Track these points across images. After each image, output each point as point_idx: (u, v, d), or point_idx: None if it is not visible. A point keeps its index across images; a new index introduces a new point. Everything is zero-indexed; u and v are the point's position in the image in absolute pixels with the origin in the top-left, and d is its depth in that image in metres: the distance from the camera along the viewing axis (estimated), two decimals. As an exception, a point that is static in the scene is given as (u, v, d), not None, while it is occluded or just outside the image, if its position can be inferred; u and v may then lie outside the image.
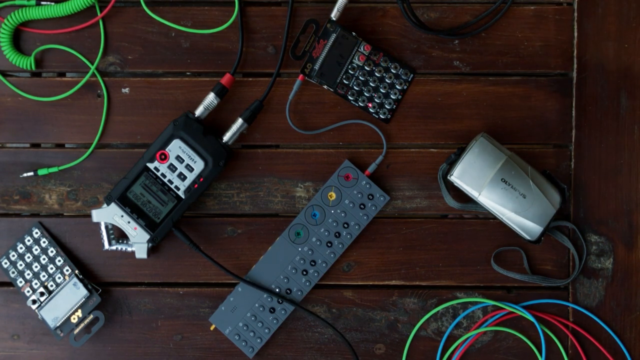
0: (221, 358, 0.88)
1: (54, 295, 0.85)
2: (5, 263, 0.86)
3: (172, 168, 0.84)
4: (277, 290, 0.86)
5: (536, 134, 0.87)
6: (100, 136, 0.87)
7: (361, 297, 0.88)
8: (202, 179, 0.84)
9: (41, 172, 0.86)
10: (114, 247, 0.85)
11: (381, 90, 0.87)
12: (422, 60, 0.87)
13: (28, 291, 0.86)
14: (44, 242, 0.87)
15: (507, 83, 0.87)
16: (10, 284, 0.87)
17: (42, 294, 0.86)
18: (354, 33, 0.86)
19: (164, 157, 0.84)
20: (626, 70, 0.87)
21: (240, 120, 0.85)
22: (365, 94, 0.87)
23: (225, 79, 0.85)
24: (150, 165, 0.84)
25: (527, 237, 0.84)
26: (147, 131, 0.87)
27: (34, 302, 0.86)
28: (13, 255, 0.86)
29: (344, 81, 0.86)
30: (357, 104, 0.87)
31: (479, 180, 0.83)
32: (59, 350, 0.88)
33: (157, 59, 0.87)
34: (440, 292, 0.88)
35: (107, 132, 0.87)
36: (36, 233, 0.87)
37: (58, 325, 0.85)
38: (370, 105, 0.87)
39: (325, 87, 0.86)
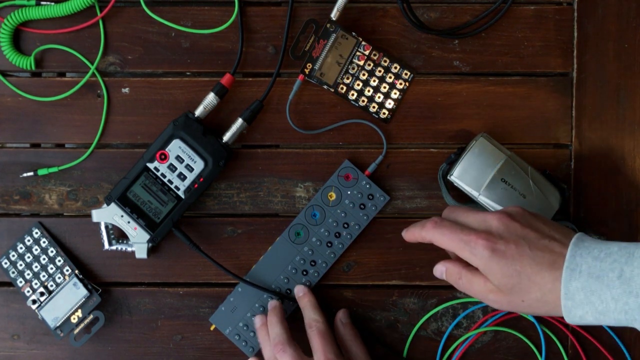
0: (221, 358, 0.88)
1: (54, 295, 0.85)
2: (5, 263, 0.86)
3: (172, 168, 0.84)
4: (277, 290, 0.86)
5: (536, 134, 0.87)
6: (100, 136, 0.87)
7: (361, 297, 0.88)
8: (202, 179, 0.84)
9: (41, 172, 0.86)
10: (114, 247, 0.85)
11: (381, 90, 0.87)
12: (422, 60, 0.87)
13: (28, 291, 0.86)
14: (44, 242, 0.87)
15: (507, 83, 0.87)
16: (10, 284, 0.87)
17: (42, 294, 0.86)
18: (354, 33, 0.86)
19: (164, 157, 0.84)
20: (626, 70, 0.87)
21: (240, 120, 0.85)
22: (365, 94, 0.87)
23: (225, 79, 0.85)
24: (150, 165, 0.84)
25: (527, 237, 0.84)
26: (147, 131, 0.87)
27: (34, 302, 0.86)
28: (13, 255, 0.87)
29: (344, 81, 0.86)
30: (357, 104, 0.87)
31: (479, 180, 0.83)
32: (59, 350, 0.88)
33: (157, 59, 0.87)
34: (440, 292, 0.88)
35: (107, 132, 0.87)
36: (36, 233, 0.87)
37: (58, 325, 0.85)
38: (370, 105, 0.87)
39: (325, 87, 0.86)
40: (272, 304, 0.85)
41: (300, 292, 0.85)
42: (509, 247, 0.68)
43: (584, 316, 0.65)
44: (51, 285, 0.86)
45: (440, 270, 0.74)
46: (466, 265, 0.72)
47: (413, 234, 0.75)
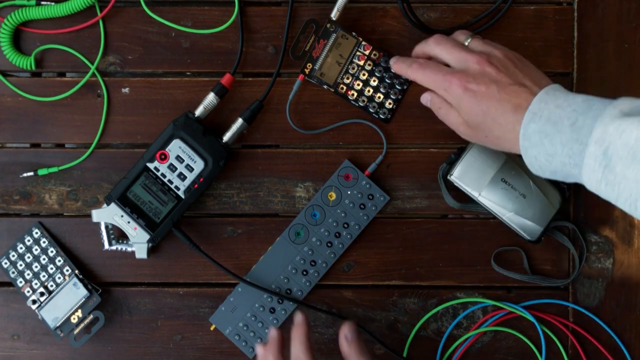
0: (221, 358, 0.88)
1: (54, 295, 0.85)
2: (5, 263, 0.86)
3: (172, 168, 0.84)
4: (277, 290, 0.86)
5: (536, 134, 0.87)
6: (100, 136, 0.87)
7: (361, 297, 0.88)
8: (202, 179, 0.84)
9: (41, 172, 0.86)
10: (114, 247, 0.85)
11: (381, 90, 0.87)
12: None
13: (28, 291, 0.86)
14: (44, 242, 0.87)
15: (507, 83, 0.87)
16: (10, 284, 0.87)
17: (42, 294, 0.86)
18: (354, 33, 0.86)
19: (164, 157, 0.84)
20: (626, 70, 0.87)
21: (240, 120, 0.85)
22: (365, 93, 0.87)
23: (225, 79, 0.85)
24: (150, 165, 0.84)
25: (527, 237, 0.84)
26: (147, 131, 0.87)
27: (34, 302, 0.86)
28: (13, 255, 0.87)
29: (344, 81, 0.86)
30: (357, 104, 0.87)
31: (479, 180, 0.83)
32: (59, 350, 0.88)
33: (157, 59, 0.87)
34: (440, 292, 0.88)
35: (107, 132, 0.87)
36: (36, 233, 0.87)
37: (58, 325, 0.85)
38: (370, 105, 0.87)
39: (325, 87, 0.86)
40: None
41: (298, 320, 0.78)
42: (479, 88, 0.74)
43: (537, 156, 0.71)
44: (51, 285, 0.86)
45: (427, 98, 0.82)
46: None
47: (400, 69, 0.82)
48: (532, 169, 0.73)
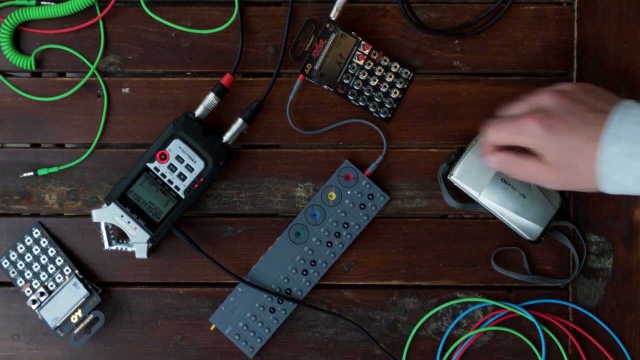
0: (221, 358, 0.88)
1: (54, 295, 0.85)
2: (5, 263, 0.86)
3: (172, 168, 0.84)
4: (277, 290, 0.86)
5: (536, 134, 0.87)
6: (100, 136, 0.87)
7: (361, 297, 0.88)
8: (202, 179, 0.84)
9: (41, 172, 0.86)
10: (114, 247, 0.85)
11: (381, 89, 0.87)
12: (422, 60, 0.87)
13: (28, 291, 0.86)
14: (44, 242, 0.87)
15: (507, 83, 0.87)
16: (10, 284, 0.87)
17: (42, 294, 0.86)
18: (353, 33, 0.86)
19: (164, 157, 0.84)
20: (626, 70, 0.87)
21: (240, 120, 0.85)
22: (365, 93, 0.87)
23: (225, 79, 0.85)
24: (150, 165, 0.84)
25: (527, 237, 0.84)
26: (147, 131, 0.87)
27: (34, 302, 0.86)
28: (13, 255, 0.87)
29: (344, 81, 0.86)
30: (357, 104, 0.87)
31: (479, 180, 0.83)
32: (59, 350, 0.88)
33: (157, 59, 0.87)
34: (440, 292, 0.88)
35: (107, 132, 0.87)
36: (36, 233, 0.87)
37: (58, 325, 0.85)
38: (370, 104, 0.87)
39: (325, 87, 0.86)
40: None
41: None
42: (558, 123, 0.69)
43: (623, 182, 0.66)
44: (51, 285, 0.86)
45: (492, 159, 0.75)
46: (517, 152, 0.73)
47: (486, 146, 0.76)
48: (612, 193, 0.68)
